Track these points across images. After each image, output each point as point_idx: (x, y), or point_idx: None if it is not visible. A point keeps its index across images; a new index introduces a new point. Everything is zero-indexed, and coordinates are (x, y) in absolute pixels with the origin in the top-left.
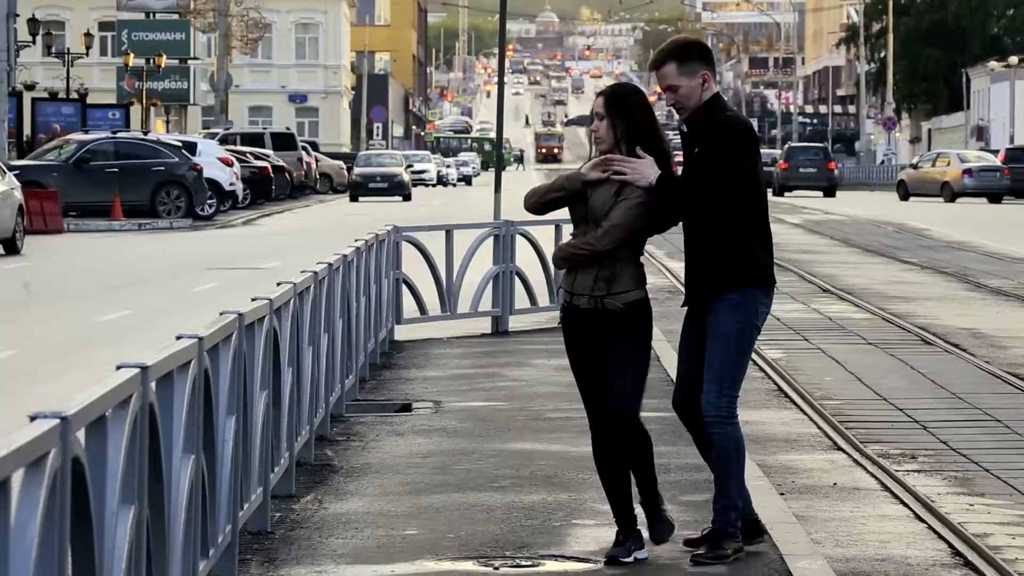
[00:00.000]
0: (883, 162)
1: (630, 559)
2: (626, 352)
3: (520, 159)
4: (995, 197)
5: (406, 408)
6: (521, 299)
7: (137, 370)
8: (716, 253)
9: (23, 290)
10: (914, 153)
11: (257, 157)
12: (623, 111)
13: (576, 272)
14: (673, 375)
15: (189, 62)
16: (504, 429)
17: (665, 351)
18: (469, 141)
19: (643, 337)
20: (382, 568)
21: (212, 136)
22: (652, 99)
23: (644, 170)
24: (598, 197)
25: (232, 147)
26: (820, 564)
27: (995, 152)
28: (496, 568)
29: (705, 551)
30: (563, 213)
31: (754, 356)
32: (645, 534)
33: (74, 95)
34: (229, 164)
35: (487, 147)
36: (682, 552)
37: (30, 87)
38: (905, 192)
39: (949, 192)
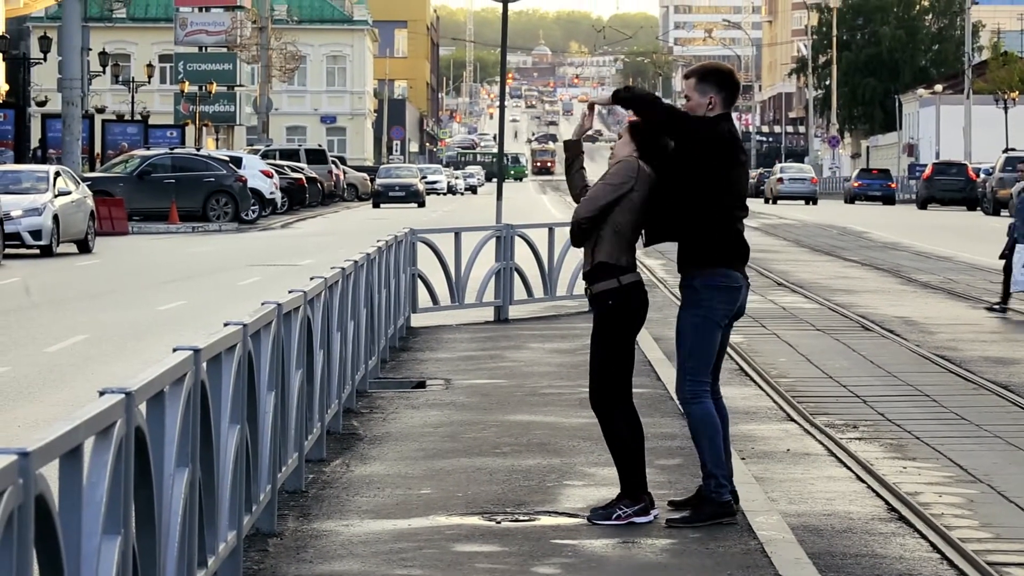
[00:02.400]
0: (827, 175)
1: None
2: (592, 337)
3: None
4: (810, 200)
5: (421, 385)
6: (519, 292)
7: (191, 352)
8: (687, 237)
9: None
10: (855, 167)
11: (293, 170)
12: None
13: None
14: (649, 357)
15: (236, 89)
16: (505, 403)
17: (643, 336)
18: (482, 156)
19: (601, 328)
20: (400, 522)
21: (255, 152)
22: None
23: (599, 96)
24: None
25: (272, 161)
26: (776, 519)
27: (923, 166)
28: (498, 522)
29: (680, 516)
30: (551, 217)
31: None
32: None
33: (138, 117)
34: (269, 176)
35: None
36: (667, 511)
37: (100, 110)
38: (765, 198)
39: (773, 196)
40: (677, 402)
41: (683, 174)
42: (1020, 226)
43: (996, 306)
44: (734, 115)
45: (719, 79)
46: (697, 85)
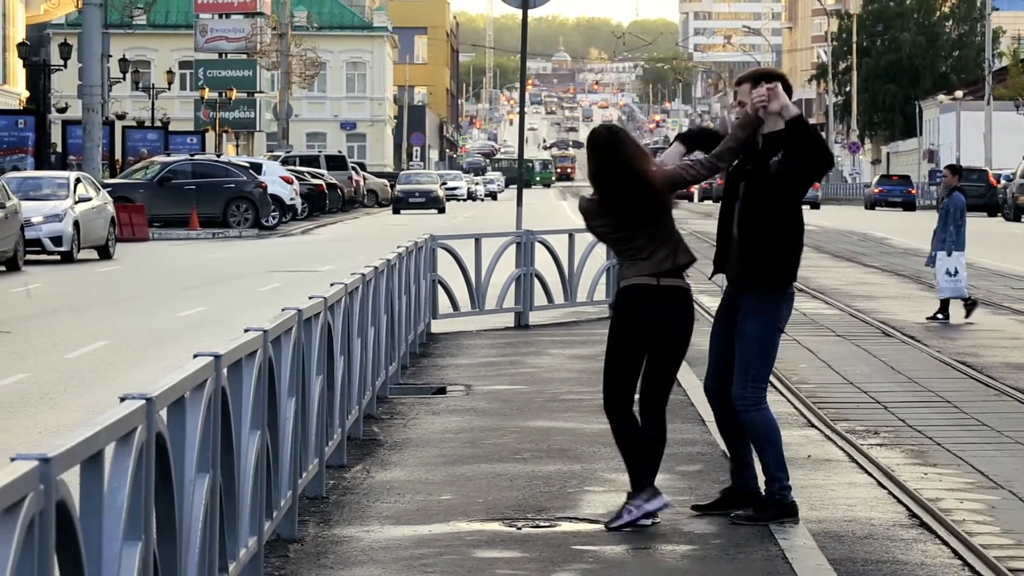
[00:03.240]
0: (847, 180)
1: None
2: None
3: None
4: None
5: (441, 391)
6: (539, 298)
7: (211, 358)
8: (758, 249)
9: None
10: (875, 173)
11: (313, 176)
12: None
13: None
14: None
15: (255, 95)
16: (526, 409)
17: None
18: (509, 163)
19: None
20: (421, 528)
21: (275, 158)
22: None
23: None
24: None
25: (292, 167)
26: (797, 525)
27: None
28: (519, 528)
29: (747, 513)
30: (571, 223)
31: None
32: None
33: (158, 123)
34: (290, 182)
35: (532, 166)
36: (688, 517)
37: (121, 117)
38: None
39: None
40: (736, 406)
41: (792, 185)
42: (940, 233)
43: (938, 316)
44: None
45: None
46: (753, 91)
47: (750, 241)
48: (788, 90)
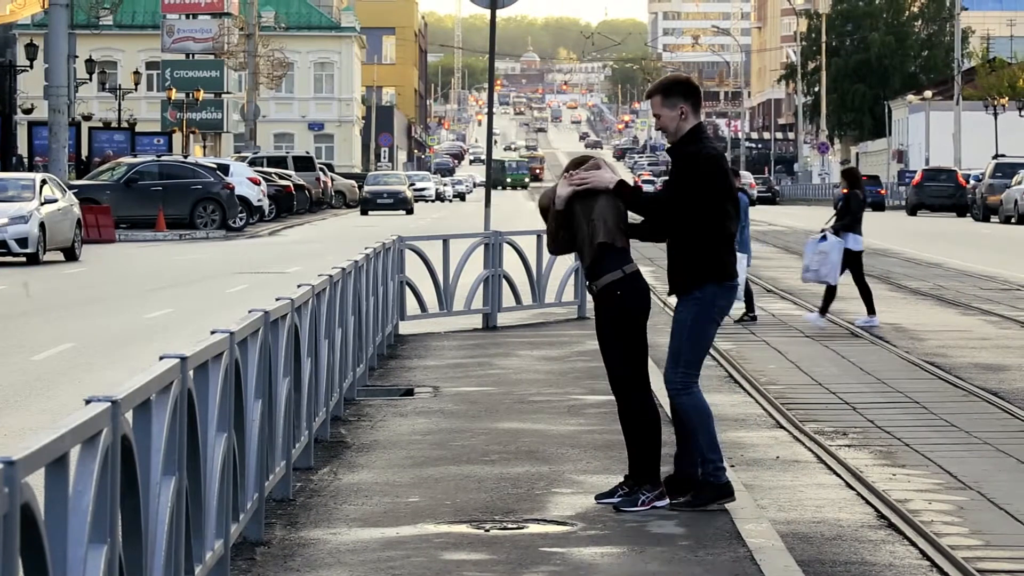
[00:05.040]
0: (817, 181)
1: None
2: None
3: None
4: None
5: (409, 393)
6: (508, 299)
7: (177, 360)
8: (681, 258)
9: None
10: None
11: (281, 177)
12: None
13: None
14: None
15: (223, 96)
16: (494, 411)
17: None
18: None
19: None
20: (388, 531)
21: (243, 159)
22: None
23: (602, 176)
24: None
25: (259, 168)
26: (765, 526)
27: (912, 172)
28: (487, 530)
29: (686, 499)
30: (540, 224)
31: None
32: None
33: (124, 124)
34: (257, 183)
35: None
36: (656, 518)
37: (87, 118)
38: None
39: None
40: (667, 390)
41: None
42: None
43: (746, 317)
44: (723, 122)
45: (684, 89)
46: (664, 101)
47: (669, 249)
48: (697, 92)
